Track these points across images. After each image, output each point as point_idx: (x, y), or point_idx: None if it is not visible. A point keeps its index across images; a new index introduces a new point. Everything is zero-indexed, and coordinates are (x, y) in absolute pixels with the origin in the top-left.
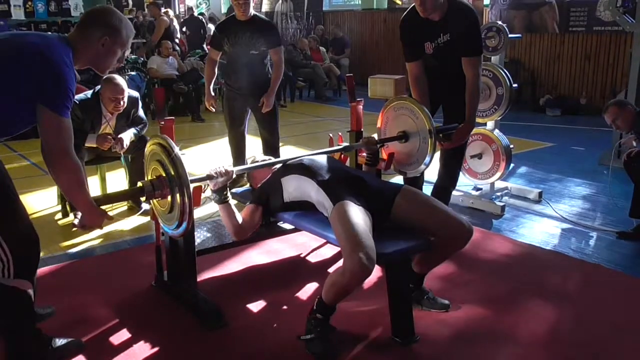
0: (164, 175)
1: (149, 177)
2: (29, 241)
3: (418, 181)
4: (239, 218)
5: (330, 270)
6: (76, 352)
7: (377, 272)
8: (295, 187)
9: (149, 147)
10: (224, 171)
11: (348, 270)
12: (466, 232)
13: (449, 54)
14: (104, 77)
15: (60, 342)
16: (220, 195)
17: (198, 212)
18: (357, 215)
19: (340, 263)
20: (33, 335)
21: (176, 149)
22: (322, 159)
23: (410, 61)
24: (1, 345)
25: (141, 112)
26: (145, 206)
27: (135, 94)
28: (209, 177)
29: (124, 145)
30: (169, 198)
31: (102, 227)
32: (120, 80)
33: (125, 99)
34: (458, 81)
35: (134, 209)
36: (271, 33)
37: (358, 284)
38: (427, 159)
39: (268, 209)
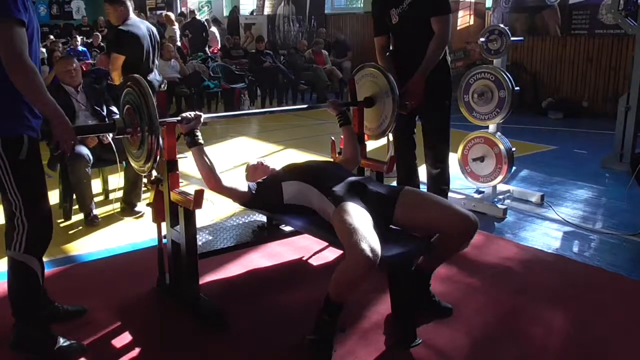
0: (135, 113)
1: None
2: (46, 223)
3: (414, 183)
4: (213, 166)
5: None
6: (79, 355)
7: (378, 275)
8: (295, 193)
9: (125, 89)
10: (193, 116)
11: (353, 264)
12: (472, 225)
13: (413, 18)
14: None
15: (64, 342)
16: (192, 138)
17: (200, 216)
18: (359, 212)
19: None
20: (40, 322)
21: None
22: (323, 165)
23: (376, 36)
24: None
25: (113, 107)
26: (139, 208)
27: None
28: (181, 120)
29: (109, 136)
30: (139, 135)
31: (74, 145)
32: (68, 56)
33: (77, 67)
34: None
35: (126, 210)
36: None
37: (364, 277)
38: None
39: (262, 202)
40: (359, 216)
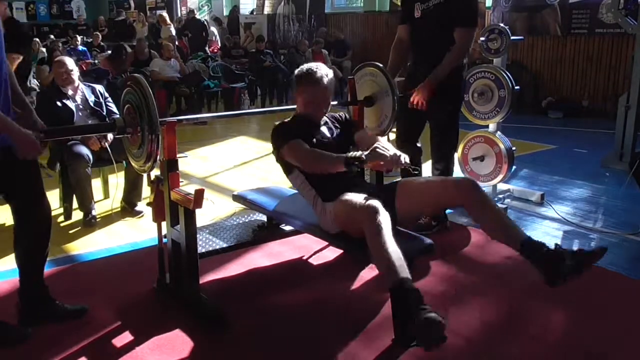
0: (135, 112)
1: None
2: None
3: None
4: None
5: (333, 275)
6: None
7: (378, 275)
8: (299, 187)
9: (125, 89)
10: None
11: (363, 220)
12: (467, 183)
13: (435, 20)
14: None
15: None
16: (356, 167)
17: (200, 215)
18: (357, 194)
19: (352, 270)
20: None
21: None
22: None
23: (400, 23)
24: None
25: (113, 107)
26: (139, 208)
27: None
28: (381, 157)
29: (108, 139)
30: (140, 134)
31: (41, 152)
32: (62, 58)
33: (71, 70)
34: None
35: (126, 210)
36: None
37: (381, 223)
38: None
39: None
40: (356, 195)
